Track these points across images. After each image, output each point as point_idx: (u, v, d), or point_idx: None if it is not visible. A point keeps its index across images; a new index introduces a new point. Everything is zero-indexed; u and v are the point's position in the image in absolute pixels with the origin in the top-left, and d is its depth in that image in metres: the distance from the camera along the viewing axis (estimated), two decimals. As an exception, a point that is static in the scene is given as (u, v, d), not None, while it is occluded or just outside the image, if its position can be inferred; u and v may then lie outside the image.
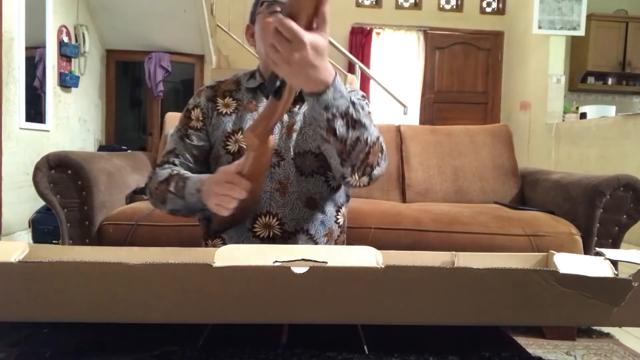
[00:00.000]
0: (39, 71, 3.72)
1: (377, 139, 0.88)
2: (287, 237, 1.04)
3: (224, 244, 1.06)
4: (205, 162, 1.11)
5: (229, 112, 1.09)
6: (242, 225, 1.05)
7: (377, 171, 0.90)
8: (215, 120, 1.09)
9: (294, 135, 1.06)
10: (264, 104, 1.08)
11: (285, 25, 0.65)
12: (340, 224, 1.14)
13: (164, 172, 1.05)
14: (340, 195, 1.13)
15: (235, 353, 0.56)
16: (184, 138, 1.09)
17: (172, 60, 4.88)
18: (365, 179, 0.90)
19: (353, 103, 0.81)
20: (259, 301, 0.50)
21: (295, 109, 1.08)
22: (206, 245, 1.09)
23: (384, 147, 0.92)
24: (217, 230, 1.06)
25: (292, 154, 1.05)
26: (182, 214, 1.05)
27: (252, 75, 1.15)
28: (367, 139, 0.84)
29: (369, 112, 1.06)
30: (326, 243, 1.10)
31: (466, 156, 2.39)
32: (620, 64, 5.70)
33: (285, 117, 1.07)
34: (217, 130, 1.08)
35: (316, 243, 1.07)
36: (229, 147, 1.06)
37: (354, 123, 0.81)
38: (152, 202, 1.08)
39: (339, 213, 1.13)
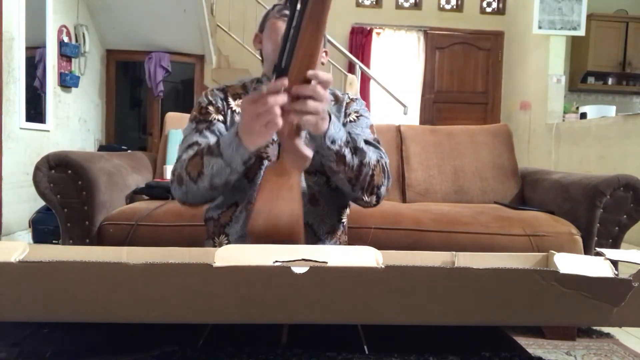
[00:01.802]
0: (39, 71, 3.72)
1: (377, 161, 0.98)
2: None
3: (229, 242, 1.06)
4: None
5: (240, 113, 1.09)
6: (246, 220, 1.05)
7: (382, 190, 1.00)
8: (230, 118, 1.09)
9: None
10: None
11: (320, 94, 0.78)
12: (344, 223, 1.16)
13: (189, 154, 0.96)
14: (344, 196, 1.13)
15: (235, 353, 0.56)
16: (205, 131, 1.03)
17: (172, 60, 4.88)
18: (374, 198, 1.00)
19: (349, 133, 0.93)
20: (259, 301, 0.50)
21: None
22: (214, 244, 1.09)
23: (386, 167, 1.01)
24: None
25: None
26: (220, 183, 0.92)
27: (258, 80, 1.16)
28: (368, 162, 0.95)
29: (371, 124, 1.12)
30: (330, 241, 1.11)
31: (466, 156, 2.39)
32: (621, 64, 5.70)
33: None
34: (233, 128, 1.06)
35: (319, 239, 1.08)
36: None
37: (355, 150, 0.93)
38: (185, 187, 0.95)
39: (343, 213, 1.15)
